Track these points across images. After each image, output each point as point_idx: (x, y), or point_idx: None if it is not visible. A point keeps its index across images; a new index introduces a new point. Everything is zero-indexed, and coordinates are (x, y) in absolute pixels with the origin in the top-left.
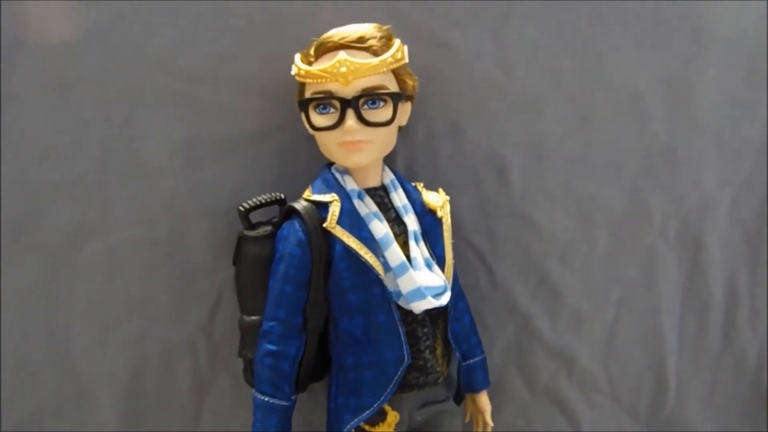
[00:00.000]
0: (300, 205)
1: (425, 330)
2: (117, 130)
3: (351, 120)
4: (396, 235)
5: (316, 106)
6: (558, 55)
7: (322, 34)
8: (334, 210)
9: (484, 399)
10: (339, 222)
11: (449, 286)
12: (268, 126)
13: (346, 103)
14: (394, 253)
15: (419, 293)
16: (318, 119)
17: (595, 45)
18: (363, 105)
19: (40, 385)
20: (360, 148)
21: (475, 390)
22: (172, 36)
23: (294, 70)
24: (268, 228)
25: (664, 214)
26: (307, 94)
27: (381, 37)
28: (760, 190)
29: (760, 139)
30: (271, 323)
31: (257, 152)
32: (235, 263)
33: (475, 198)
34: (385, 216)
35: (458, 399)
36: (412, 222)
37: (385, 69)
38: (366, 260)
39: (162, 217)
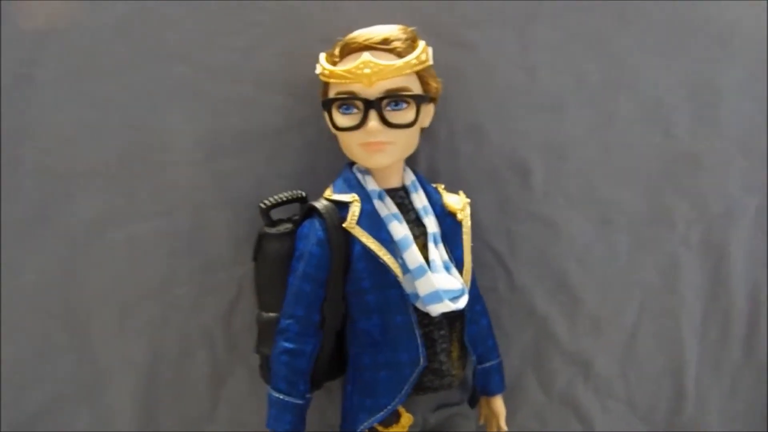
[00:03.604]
0: (321, 204)
1: (442, 333)
2: (141, 122)
3: (373, 121)
4: (415, 237)
5: (340, 106)
6: (581, 57)
7: (344, 30)
8: (354, 210)
9: (499, 403)
10: (359, 222)
11: (467, 290)
12: (291, 121)
13: (369, 104)
14: (413, 255)
15: (436, 296)
16: (341, 119)
17: (618, 47)
18: (386, 106)
19: (60, 370)
20: (382, 149)
21: (491, 394)
22: (196, 29)
23: (318, 70)
24: (289, 225)
25: (687, 219)
26: (331, 94)
27: (406, 39)
28: None
29: None
30: (289, 321)
31: (279, 147)
32: (255, 259)
33: (496, 200)
34: (405, 217)
35: (473, 402)
36: (431, 224)
37: (408, 71)
38: (384, 261)
39: (184, 208)
